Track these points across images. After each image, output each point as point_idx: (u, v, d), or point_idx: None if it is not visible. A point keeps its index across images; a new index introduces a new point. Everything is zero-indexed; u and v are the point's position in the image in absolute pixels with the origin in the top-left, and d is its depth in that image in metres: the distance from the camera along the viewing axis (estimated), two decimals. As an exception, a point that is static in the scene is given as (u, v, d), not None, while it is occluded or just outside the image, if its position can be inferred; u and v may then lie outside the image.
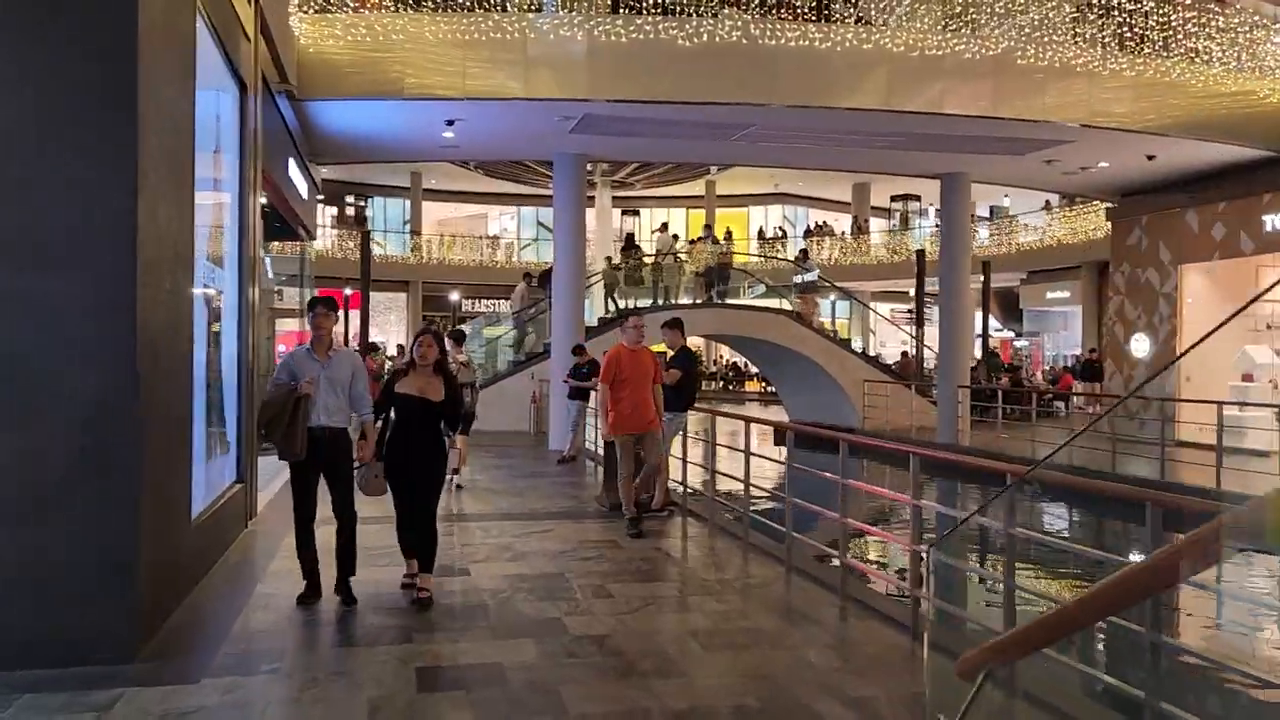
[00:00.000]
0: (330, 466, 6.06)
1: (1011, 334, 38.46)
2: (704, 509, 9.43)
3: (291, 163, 12.08)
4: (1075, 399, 25.37)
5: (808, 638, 5.43)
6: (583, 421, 13.94)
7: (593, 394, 13.34)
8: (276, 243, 16.67)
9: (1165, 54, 14.43)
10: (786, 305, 22.46)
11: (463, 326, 16.03)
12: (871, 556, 11.41)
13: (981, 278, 25.73)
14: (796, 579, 6.82)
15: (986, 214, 38.61)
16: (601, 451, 10.58)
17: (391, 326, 39.54)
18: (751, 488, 8.20)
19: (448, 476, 13.01)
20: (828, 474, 6.46)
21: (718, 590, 6.47)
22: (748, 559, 7.52)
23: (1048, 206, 34.07)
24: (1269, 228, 16.18)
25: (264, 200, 11.22)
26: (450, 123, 13.45)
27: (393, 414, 6.15)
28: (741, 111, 13.11)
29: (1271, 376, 17.18)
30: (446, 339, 14.81)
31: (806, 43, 12.64)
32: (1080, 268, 30.89)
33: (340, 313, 29.16)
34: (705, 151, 16.68)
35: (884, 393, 20.60)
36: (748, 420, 8.51)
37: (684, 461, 9.87)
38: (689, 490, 10.05)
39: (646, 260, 21.19)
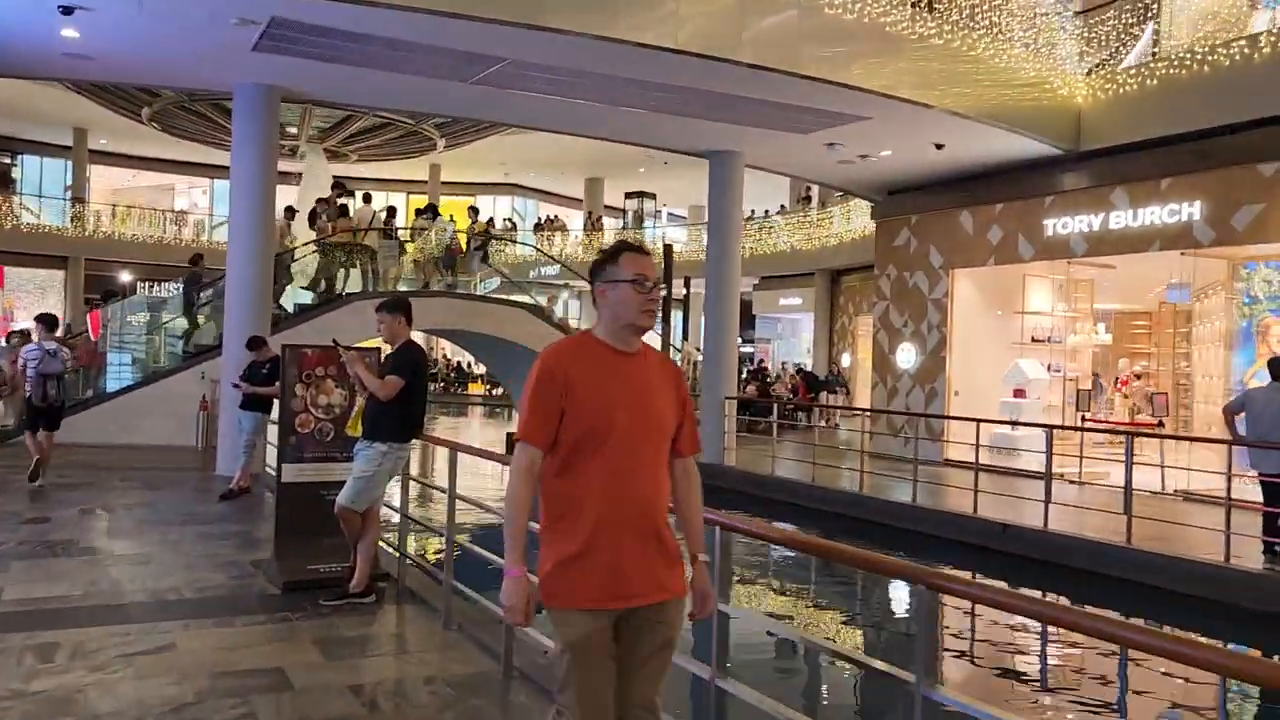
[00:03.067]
0: None
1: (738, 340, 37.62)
2: (435, 592, 6.22)
3: None
4: (815, 412, 24.11)
5: None
6: (261, 440, 10.24)
7: (277, 403, 9.71)
8: None
9: (971, 25, 12.74)
10: (528, 299, 19.41)
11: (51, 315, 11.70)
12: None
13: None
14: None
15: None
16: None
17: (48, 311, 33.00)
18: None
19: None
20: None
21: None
22: (520, 703, 4.41)
23: (783, 211, 33.38)
24: (1050, 232, 15.04)
25: None
26: (67, 10, 9.32)
27: None
28: (492, 36, 9.93)
29: (1040, 393, 16.19)
30: (35, 324, 10.81)
31: (580, -50, 9.70)
32: (814, 274, 30.18)
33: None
34: (438, 97, 13.29)
35: (635, 402, 18.02)
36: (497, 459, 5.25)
37: (404, 516, 6.58)
38: (409, 560, 6.74)
39: (360, 238, 17.28)
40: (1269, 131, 12.11)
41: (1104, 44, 14.65)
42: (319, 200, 18.20)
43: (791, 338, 36.70)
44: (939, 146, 14.31)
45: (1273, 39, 12.08)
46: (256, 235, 12.50)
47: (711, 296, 16.02)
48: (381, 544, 6.58)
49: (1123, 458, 14.18)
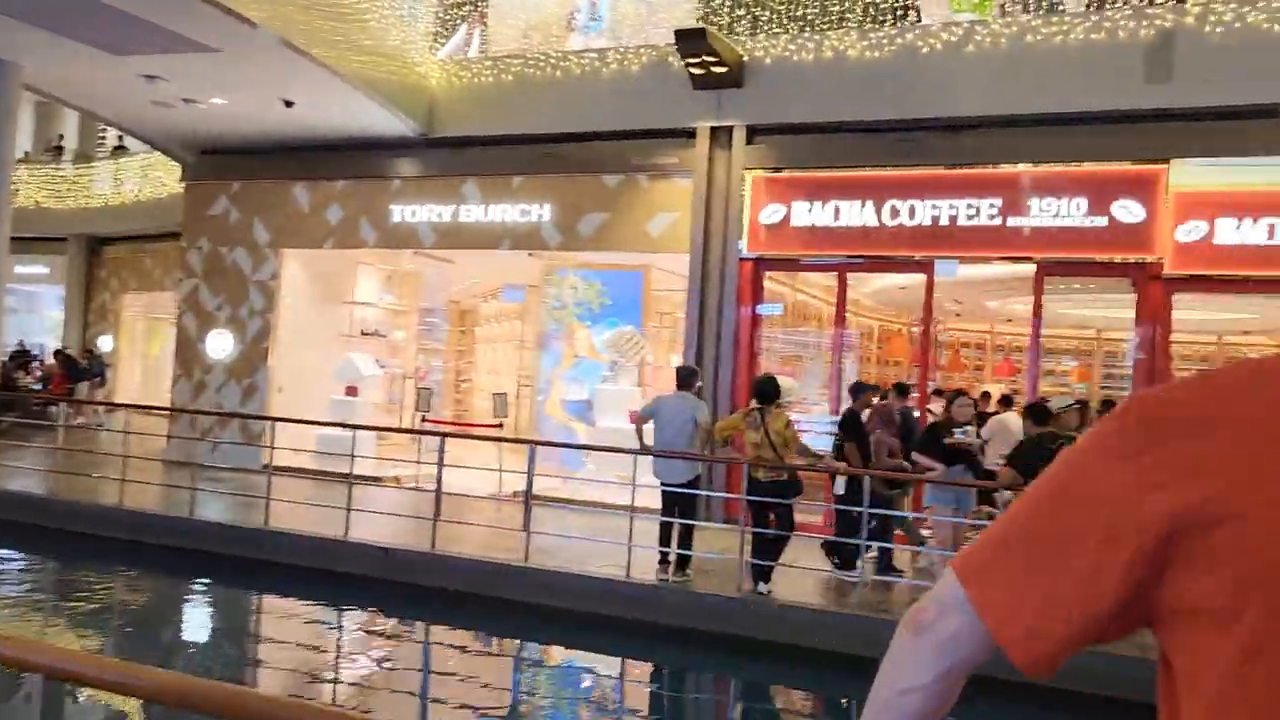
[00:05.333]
0: None
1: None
2: None
3: None
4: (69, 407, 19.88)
5: None
6: None
7: None
8: None
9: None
10: None
11: None
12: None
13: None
14: None
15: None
16: None
17: None
18: None
19: None
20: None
21: None
22: None
23: (26, 159, 27.61)
24: (398, 219, 13.96)
25: None
26: None
27: None
28: None
29: (371, 390, 15.08)
30: None
31: None
32: (67, 240, 25.55)
33: None
34: None
35: None
36: None
37: None
38: None
39: None
40: (615, 145, 12.53)
41: (456, 29, 14.08)
42: None
43: (29, 313, 30.72)
44: (289, 104, 12.35)
45: (619, 56, 12.57)
46: None
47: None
48: None
49: (429, 461, 13.79)
